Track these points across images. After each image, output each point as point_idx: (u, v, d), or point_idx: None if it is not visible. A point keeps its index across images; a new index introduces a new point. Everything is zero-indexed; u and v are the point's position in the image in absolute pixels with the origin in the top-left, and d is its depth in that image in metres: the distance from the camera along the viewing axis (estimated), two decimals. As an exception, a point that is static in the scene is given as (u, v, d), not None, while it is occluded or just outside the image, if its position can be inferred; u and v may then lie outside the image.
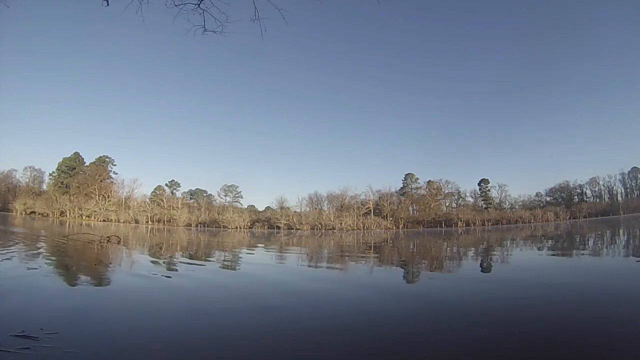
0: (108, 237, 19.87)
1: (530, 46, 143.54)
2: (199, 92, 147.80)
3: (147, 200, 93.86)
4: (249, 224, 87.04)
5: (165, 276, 8.99)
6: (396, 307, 5.83)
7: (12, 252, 12.58)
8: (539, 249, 17.41)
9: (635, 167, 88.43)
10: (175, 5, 5.09)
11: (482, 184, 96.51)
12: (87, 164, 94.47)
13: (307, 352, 3.73)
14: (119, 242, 19.19)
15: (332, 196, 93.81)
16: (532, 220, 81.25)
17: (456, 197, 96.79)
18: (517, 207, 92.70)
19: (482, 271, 10.82)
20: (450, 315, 5.23)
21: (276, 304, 5.97)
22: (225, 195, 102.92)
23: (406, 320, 5.06)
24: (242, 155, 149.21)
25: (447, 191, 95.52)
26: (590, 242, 19.45)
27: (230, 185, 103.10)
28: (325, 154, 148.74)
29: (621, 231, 28.04)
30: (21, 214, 78.51)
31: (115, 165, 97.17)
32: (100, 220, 79.45)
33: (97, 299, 6.11)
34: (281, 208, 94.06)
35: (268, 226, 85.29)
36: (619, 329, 4.25)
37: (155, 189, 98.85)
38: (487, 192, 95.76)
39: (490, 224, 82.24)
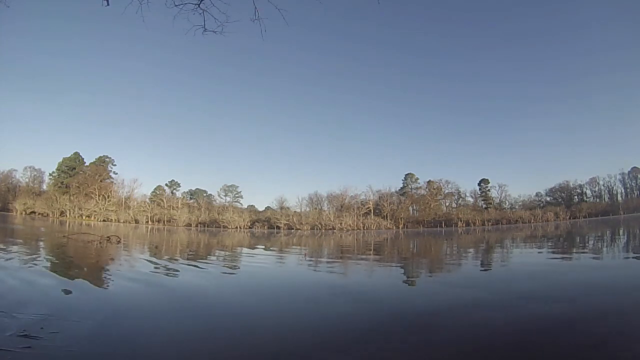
0: (108, 236, 19.88)
1: (530, 46, 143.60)
2: (199, 92, 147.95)
3: (147, 200, 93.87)
4: (249, 224, 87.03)
5: (166, 276, 9.00)
6: (395, 307, 5.84)
7: (12, 251, 12.58)
8: (539, 249, 17.42)
9: (635, 167, 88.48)
10: (175, 5, 5.10)
11: (482, 184, 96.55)
12: (87, 164, 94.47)
13: (308, 351, 3.74)
14: (119, 242, 19.20)
15: (332, 196, 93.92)
16: (532, 220, 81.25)
17: (456, 197, 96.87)
18: (517, 207, 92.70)
19: (482, 272, 10.82)
20: (450, 317, 5.24)
21: (277, 304, 5.99)
22: (225, 195, 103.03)
23: (405, 321, 5.07)
24: (242, 155, 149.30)
25: (447, 191, 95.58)
26: (591, 243, 19.47)
27: (230, 185, 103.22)
28: (325, 154, 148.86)
29: (621, 231, 28.05)
30: (21, 214, 78.51)
31: (115, 165, 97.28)
32: (100, 220, 79.45)
33: (97, 298, 6.11)
34: (281, 208, 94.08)
35: (268, 226, 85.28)
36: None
37: (155, 189, 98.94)
38: (487, 192, 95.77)
39: (490, 224, 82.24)
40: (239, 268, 11.78)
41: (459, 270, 10.96)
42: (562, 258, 13.05)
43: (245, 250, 20.35)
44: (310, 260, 14.45)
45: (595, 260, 11.78)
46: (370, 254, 17.19)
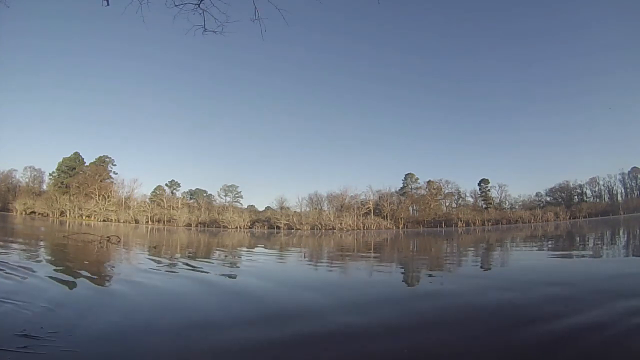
0: (108, 237, 19.88)
1: (530, 46, 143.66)
2: (199, 92, 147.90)
3: (147, 200, 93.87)
4: (249, 224, 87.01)
5: (167, 276, 8.99)
6: (394, 308, 5.83)
7: (12, 251, 12.58)
8: (539, 249, 17.43)
9: (635, 167, 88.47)
10: (175, 5, 5.11)
11: (482, 184, 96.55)
12: (87, 164, 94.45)
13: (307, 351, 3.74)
14: (119, 242, 19.21)
15: (332, 196, 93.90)
16: (532, 220, 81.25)
17: (456, 197, 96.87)
18: (517, 207, 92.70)
19: (483, 267, 10.82)
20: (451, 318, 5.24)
21: (279, 305, 6.01)
22: (225, 195, 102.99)
23: (403, 320, 5.06)
24: (242, 155, 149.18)
25: (447, 191, 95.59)
26: (591, 242, 19.46)
27: (230, 185, 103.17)
28: (325, 154, 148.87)
29: (621, 231, 28.05)
30: (21, 214, 78.49)
31: (115, 165, 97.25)
32: (100, 220, 79.44)
33: (97, 298, 6.11)
34: (281, 208, 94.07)
35: (268, 226, 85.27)
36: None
37: (155, 189, 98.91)
38: (487, 192, 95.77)
39: (490, 224, 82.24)
40: (239, 268, 11.77)
41: (461, 267, 10.98)
42: (562, 256, 13.07)
43: (245, 250, 20.34)
44: (310, 260, 14.45)
45: (593, 257, 11.79)
46: (370, 254, 17.20)
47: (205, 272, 10.06)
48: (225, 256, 15.77)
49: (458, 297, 6.45)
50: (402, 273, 10.86)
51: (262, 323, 4.74)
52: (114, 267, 10.55)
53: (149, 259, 13.44)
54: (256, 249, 20.98)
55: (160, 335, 4.13)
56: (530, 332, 4.15)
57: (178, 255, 15.33)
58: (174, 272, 10.00)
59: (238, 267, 12.08)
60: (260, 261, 13.80)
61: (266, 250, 20.23)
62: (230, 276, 9.55)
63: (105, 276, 8.53)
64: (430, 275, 9.77)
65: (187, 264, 11.66)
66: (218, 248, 20.93)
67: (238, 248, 21.47)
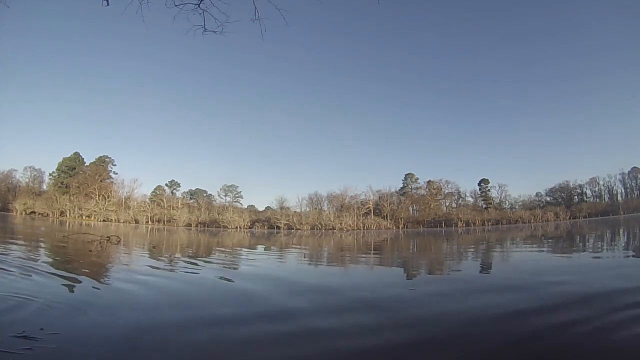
0: (108, 236, 19.85)
1: (530, 46, 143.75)
2: (199, 92, 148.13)
3: (147, 200, 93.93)
4: (249, 224, 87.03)
5: (167, 276, 8.98)
6: (397, 292, 5.85)
7: (12, 251, 12.56)
8: (538, 247, 17.42)
9: (635, 167, 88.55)
10: (175, 5, 5.09)
11: (482, 184, 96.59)
12: (87, 164, 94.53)
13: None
14: (118, 242, 19.19)
15: (332, 196, 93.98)
16: (532, 220, 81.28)
17: (456, 197, 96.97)
18: (517, 207, 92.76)
19: (483, 268, 10.81)
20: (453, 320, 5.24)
21: (301, 287, 6.69)
22: (225, 195, 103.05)
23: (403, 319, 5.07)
24: (242, 155, 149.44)
25: (447, 191, 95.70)
26: (591, 242, 19.46)
27: (230, 185, 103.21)
28: (325, 154, 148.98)
29: (621, 231, 28.04)
30: (21, 214, 78.51)
31: (115, 165, 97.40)
32: (100, 220, 79.44)
33: (98, 298, 6.09)
34: (281, 208, 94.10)
35: (268, 226, 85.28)
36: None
37: (155, 189, 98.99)
38: (487, 192, 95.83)
39: (490, 224, 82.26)
40: (238, 267, 11.76)
41: (460, 263, 11.00)
42: (561, 254, 13.07)
43: (244, 250, 20.32)
44: (313, 259, 14.44)
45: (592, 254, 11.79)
46: (370, 253, 17.19)
47: (206, 273, 10.04)
48: (225, 257, 15.75)
49: (455, 284, 7.68)
50: (403, 268, 11.28)
51: (294, 296, 6.28)
52: (114, 266, 10.53)
53: (150, 258, 13.43)
54: (258, 248, 20.97)
55: (162, 335, 4.11)
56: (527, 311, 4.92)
57: (177, 255, 15.32)
58: (176, 270, 9.99)
59: (238, 268, 12.07)
60: (265, 259, 13.80)
61: (268, 250, 20.22)
62: (230, 279, 9.55)
63: (106, 276, 8.52)
64: (430, 269, 10.04)
65: (187, 265, 11.65)
66: (219, 248, 20.92)
67: (239, 247, 21.46)
